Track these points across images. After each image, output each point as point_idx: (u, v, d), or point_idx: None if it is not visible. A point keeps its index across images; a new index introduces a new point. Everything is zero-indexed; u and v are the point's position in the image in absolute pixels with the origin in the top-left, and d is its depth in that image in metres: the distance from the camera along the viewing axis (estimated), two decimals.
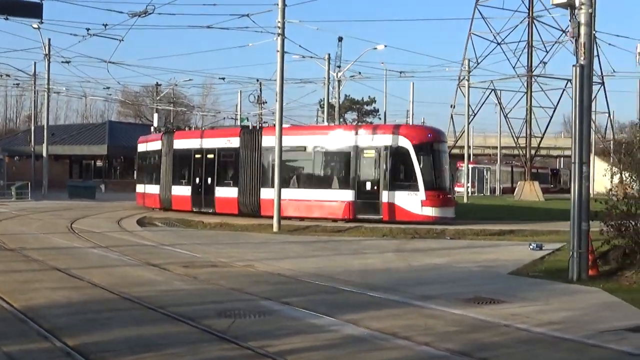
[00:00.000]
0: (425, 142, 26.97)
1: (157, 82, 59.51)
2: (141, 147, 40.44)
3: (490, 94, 64.99)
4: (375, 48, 47.06)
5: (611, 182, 19.21)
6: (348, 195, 28.05)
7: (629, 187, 16.04)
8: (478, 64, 60.38)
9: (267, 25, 26.28)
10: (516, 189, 60.62)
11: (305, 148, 29.67)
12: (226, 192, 31.97)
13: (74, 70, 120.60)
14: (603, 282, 13.70)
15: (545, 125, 65.14)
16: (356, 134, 29.35)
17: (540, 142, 63.65)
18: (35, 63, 49.82)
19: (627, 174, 16.60)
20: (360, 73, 51.03)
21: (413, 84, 60.21)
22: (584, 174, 14.09)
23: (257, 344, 8.53)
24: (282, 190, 26.73)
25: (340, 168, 29.08)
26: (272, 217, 26.52)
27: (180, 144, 35.27)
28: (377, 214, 27.36)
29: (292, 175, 29.90)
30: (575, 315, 10.60)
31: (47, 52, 44.70)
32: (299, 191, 29.29)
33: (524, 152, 61.64)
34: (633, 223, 14.68)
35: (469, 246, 21.40)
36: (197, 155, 33.88)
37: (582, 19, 14.11)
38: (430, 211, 26.53)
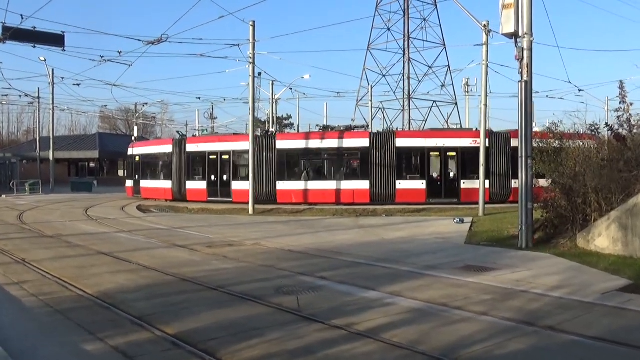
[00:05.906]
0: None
1: (135, 103, 54.81)
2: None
3: (378, 111, 64.11)
4: (303, 77, 45.38)
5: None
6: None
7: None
8: (371, 89, 59.29)
9: (240, 56, 23.74)
10: None
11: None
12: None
13: (69, 91, 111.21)
14: (544, 248, 12.48)
15: None
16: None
17: None
18: (39, 88, 45.21)
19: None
20: (304, 94, 48.78)
21: (327, 104, 58.42)
22: (529, 165, 12.85)
23: (341, 323, 6.63)
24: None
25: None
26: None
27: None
28: None
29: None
30: (563, 279, 9.16)
31: (51, 79, 40.20)
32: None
33: None
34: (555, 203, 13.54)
35: (406, 222, 19.65)
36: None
37: (525, 45, 12.80)
38: None
